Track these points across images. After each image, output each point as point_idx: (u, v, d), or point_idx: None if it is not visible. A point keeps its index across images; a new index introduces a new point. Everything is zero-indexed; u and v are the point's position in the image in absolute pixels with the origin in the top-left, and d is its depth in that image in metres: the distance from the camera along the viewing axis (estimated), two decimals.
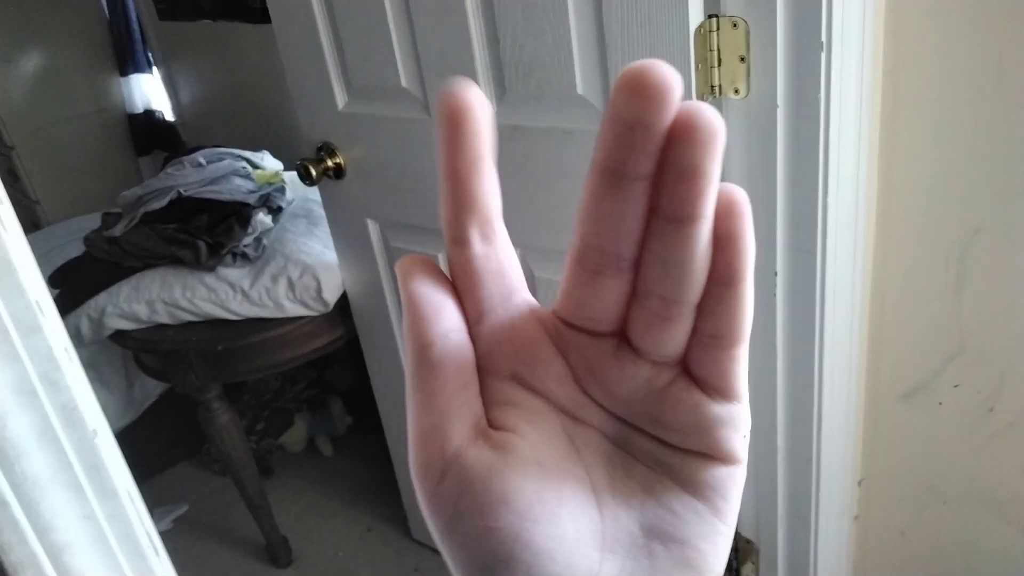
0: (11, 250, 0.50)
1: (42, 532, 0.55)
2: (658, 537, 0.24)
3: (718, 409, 0.23)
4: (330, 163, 1.44)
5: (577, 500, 0.23)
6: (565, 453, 0.24)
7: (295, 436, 2.31)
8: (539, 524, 0.22)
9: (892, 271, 1.08)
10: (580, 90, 1.06)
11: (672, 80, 0.18)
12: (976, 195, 0.99)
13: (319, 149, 1.45)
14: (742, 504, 1.13)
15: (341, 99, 1.37)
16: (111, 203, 2.64)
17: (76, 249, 2.09)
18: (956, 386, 1.09)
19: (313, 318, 1.64)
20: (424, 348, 0.23)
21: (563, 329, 0.24)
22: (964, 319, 1.05)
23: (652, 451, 0.24)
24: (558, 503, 0.23)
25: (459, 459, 0.22)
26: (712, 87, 0.99)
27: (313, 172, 1.42)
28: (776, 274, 1.05)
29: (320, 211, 1.81)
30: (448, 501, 0.23)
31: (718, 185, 0.20)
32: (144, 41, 2.77)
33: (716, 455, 0.24)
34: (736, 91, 0.99)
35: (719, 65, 0.98)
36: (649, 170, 0.20)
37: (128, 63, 2.75)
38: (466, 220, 0.22)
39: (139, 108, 2.82)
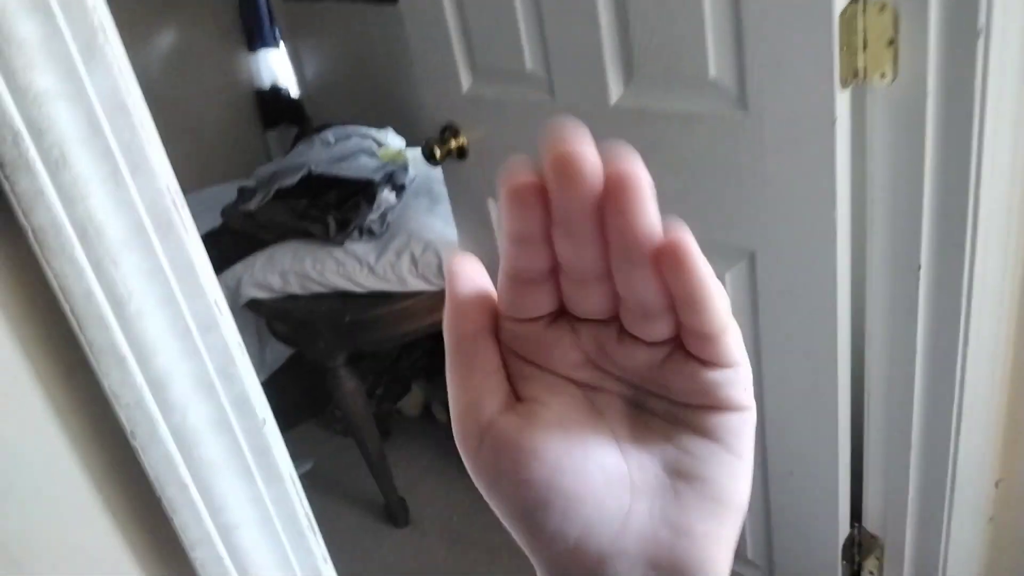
0: (192, 253, 0.54)
1: (215, 512, 0.60)
2: (681, 477, 0.27)
3: (714, 375, 0.26)
4: (453, 144, 1.46)
5: (602, 451, 0.26)
6: (587, 414, 0.27)
7: (412, 401, 2.40)
8: (567, 473, 0.25)
9: None
10: (712, 74, 1.03)
11: (587, 156, 0.21)
12: None
13: (443, 130, 1.47)
14: (869, 499, 1.11)
15: (466, 81, 1.39)
16: (240, 174, 2.76)
17: (210, 219, 2.21)
18: None
19: (434, 293, 1.69)
20: (460, 340, 0.27)
21: (574, 323, 0.27)
22: None
23: (665, 408, 0.27)
24: (584, 455, 0.26)
25: (492, 427, 0.26)
26: (856, 71, 0.95)
27: (437, 153, 1.45)
28: (920, 268, 1.00)
29: (441, 189, 1.85)
30: (488, 462, 0.27)
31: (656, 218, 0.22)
32: (271, 18, 2.86)
33: (721, 407, 0.27)
34: (882, 75, 0.94)
35: (864, 49, 0.94)
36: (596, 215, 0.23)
37: (256, 39, 2.86)
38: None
39: (266, 83, 2.93)
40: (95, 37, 0.49)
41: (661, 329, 0.25)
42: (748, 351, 0.27)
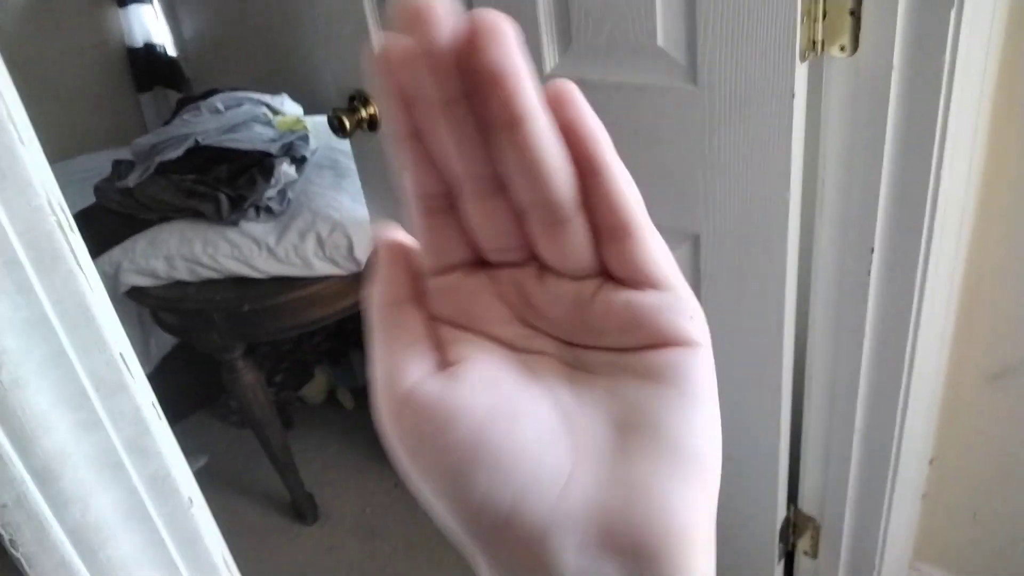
0: (88, 295, 0.40)
1: None
2: (630, 430, 0.23)
3: (650, 298, 0.24)
4: (364, 114, 1.32)
5: (536, 407, 0.24)
6: (521, 374, 0.25)
7: (315, 388, 2.25)
8: (495, 431, 0.22)
9: (992, 251, 1.00)
10: (661, 42, 0.95)
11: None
12: None
13: (352, 98, 1.33)
14: (806, 480, 1.07)
15: (379, 43, 1.25)
16: (110, 141, 2.49)
17: (79, 192, 1.97)
18: None
19: (344, 277, 1.56)
20: (383, 307, 0.26)
21: (493, 272, 0.25)
22: None
23: (606, 360, 0.25)
24: (514, 410, 0.23)
25: (413, 392, 0.24)
26: (814, 42, 0.89)
27: (347, 124, 1.31)
28: (872, 251, 0.96)
29: (347, 162, 1.70)
30: (408, 429, 0.23)
31: (532, 79, 0.20)
32: None
33: (666, 341, 0.24)
34: (841, 48, 0.88)
35: (823, 18, 0.88)
36: (461, 87, 0.21)
37: None
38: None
39: (139, 42, 2.64)
40: None
41: (575, 240, 0.23)
42: None
